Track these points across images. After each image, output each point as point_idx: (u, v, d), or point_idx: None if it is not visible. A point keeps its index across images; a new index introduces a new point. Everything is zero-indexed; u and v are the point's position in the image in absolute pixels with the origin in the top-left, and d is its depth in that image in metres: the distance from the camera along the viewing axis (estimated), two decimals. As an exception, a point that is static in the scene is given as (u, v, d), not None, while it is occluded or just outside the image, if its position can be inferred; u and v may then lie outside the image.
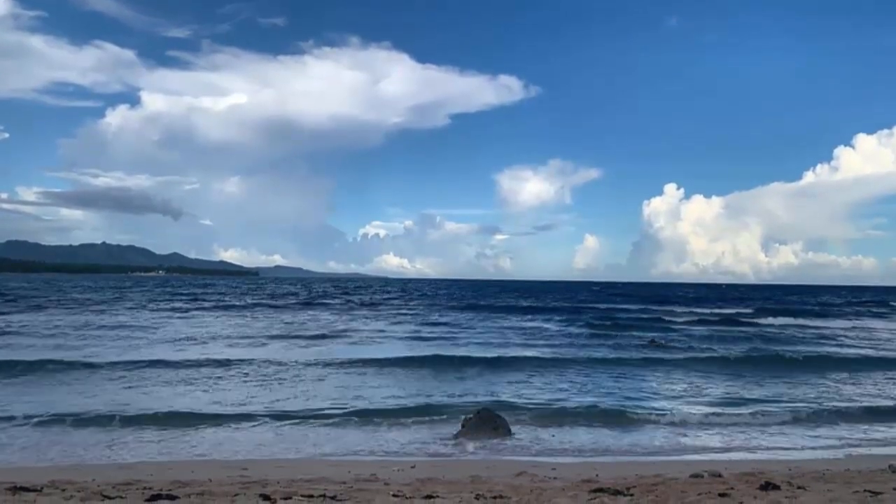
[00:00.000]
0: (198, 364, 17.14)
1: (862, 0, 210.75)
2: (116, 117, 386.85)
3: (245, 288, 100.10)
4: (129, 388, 13.97)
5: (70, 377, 15.03)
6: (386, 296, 72.92)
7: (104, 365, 16.53)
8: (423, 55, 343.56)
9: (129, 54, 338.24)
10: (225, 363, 17.26)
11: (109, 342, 22.72)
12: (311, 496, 6.38)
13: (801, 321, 40.94)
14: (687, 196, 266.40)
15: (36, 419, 10.76)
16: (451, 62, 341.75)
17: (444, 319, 37.66)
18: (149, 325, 30.07)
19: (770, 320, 40.72)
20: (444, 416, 11.68)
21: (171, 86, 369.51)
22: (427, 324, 34.10)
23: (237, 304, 50.96)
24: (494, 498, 6.46)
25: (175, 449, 9.47)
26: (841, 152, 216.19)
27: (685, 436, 10.87)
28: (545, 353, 21.50)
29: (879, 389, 15.63)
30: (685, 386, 15.79)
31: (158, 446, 9.59)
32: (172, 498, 6.19)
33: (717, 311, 50.17)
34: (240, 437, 10.23)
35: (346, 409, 12.14)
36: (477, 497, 6.47)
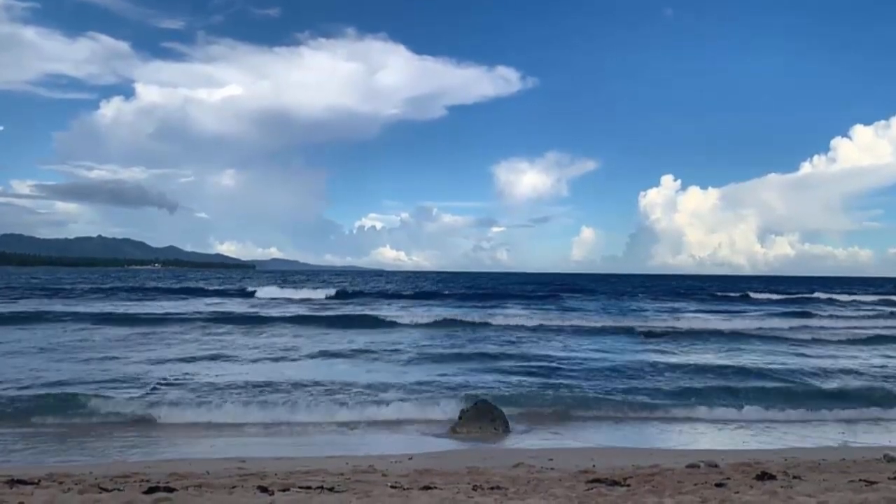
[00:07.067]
0: None
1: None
2: (111, 109, 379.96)
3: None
4: None
5: None
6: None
7: None
8: (419, 46, 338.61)
9: (123, 46, 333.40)
10: None
11: None
12: (309, 488, 6.38)
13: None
14: (683, 187, 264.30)
15: None
16: (447, 53, 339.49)
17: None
18: None
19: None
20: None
21: (166, 77, 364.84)
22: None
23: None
24: (492, 489, 6.47)
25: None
26: (838, 143, 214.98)
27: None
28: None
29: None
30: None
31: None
32: (170, 490, 6.18)
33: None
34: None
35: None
36: (474, 488, 6.48)
